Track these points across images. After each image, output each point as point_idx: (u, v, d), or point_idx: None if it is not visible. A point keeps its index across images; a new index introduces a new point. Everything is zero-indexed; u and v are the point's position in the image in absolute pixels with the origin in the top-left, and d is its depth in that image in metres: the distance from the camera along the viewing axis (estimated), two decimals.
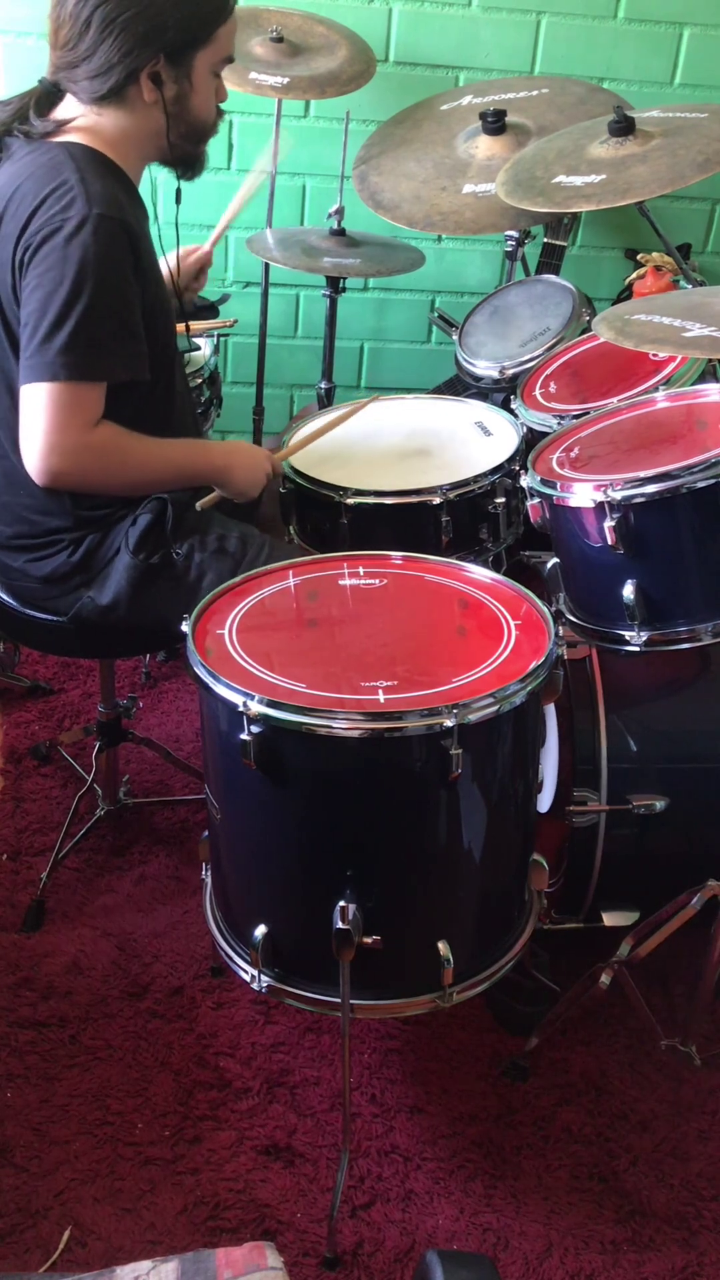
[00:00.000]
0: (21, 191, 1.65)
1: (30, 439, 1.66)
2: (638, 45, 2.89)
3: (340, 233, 2.53)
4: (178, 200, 1.84)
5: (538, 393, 2.16)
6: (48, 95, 1.74)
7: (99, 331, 1.62)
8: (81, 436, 1.65)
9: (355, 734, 1.35)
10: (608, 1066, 1.78)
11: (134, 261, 1.66)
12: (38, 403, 1.64)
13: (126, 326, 1.66)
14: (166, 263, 1.95)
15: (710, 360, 2.00)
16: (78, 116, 1.71)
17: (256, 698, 1.37)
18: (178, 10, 1.65)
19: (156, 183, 1.83)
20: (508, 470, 1.98)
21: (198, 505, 1.80)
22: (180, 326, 2.06)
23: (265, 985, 1.52)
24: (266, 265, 2.81)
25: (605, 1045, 1.82)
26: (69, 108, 1.73)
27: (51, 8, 1.68)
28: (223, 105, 1.80)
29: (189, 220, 2.84)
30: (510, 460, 1.99)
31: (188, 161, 1.81)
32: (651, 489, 1.59)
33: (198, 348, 2.47)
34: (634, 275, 2.93)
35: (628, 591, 1.66)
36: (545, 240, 2.69)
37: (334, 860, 1.44)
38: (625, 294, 2.93)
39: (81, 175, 1.63)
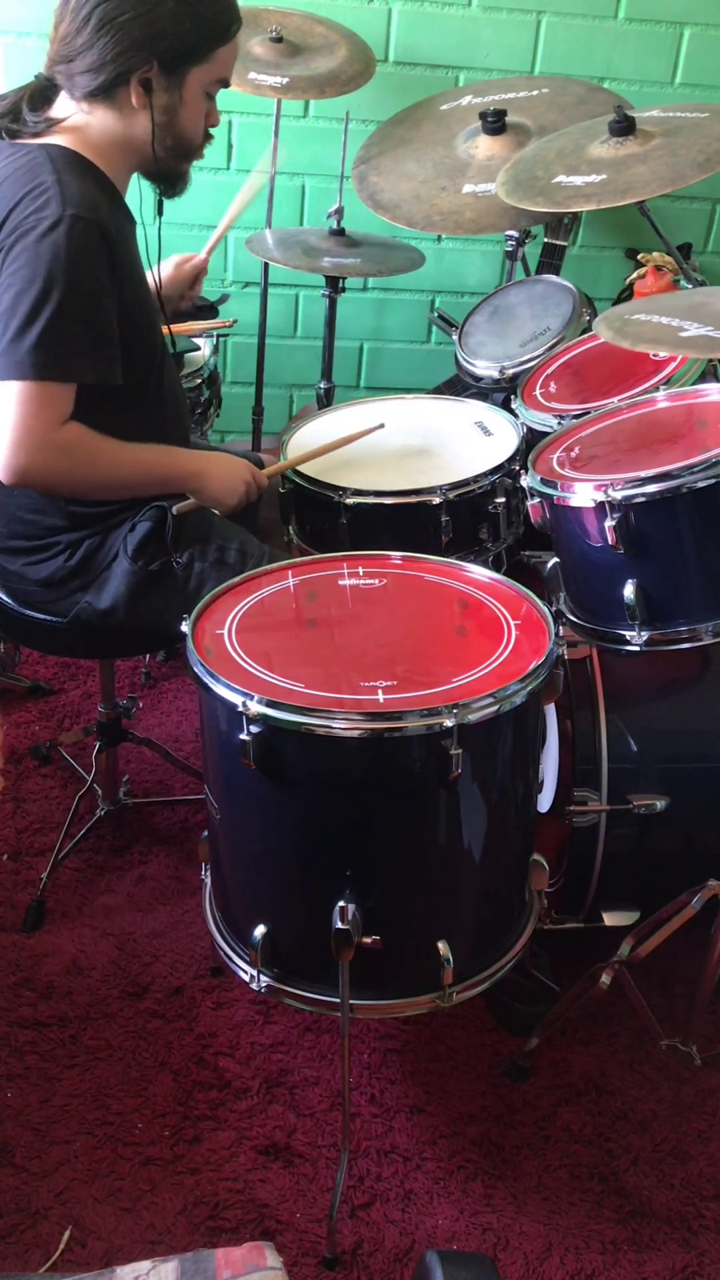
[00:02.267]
0: (0, 193, 1.65)
1: None
2: (638, 45, 2.89)
3: (340, 233, 2.53)
4: (159, 212, 1.84)
5: (538, 393, 2.16)
6: (42, 91, 1.74)
7: (69, 331, 1.62)
8: (48, 434, 1.65)
9: (355, 734, 1.35)
10: (608, 1066, 1.78)
11: (109, 265, 1.65)
12: (5, 400, 1.64)
13: (97, 329, 1.66)
14: (154, 273, 1.95)
15: (710, 360, 2.00)
16: (68, 116, 1.72)
17: (256, 698, 1.37)
18: (178, 22, 1.65)
19: (143, 188, 1.83)
20: (508, 470, 1.98)
21: (174, 509, 1.78)
22: (179, 327, 2.06)
23: (265, 985, 1.52)
24: (266, 265, 2.81)
25: (605, 1045, 1.82)
26: (61, 106, 1.73)
27: (57, 1, 1.68)
28: (218, 117, 1.80)
29: (187, 221, 2.86)
30: (510, 460, 1.99)
31: (170, 177, 1.81)
32: (652, 489, 1.59)
33: (197, 348, 2.47)
34: (634, 275, 2.93)
35: (628, 591, 1.66)
36: (545, 240, 2.69)
37: (334, 860, 1.44)
38: (626, 294, 2.93)
39: (59, 177, 1.63)
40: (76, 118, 1.72)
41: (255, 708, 1.37)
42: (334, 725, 1.35)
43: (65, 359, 1.63)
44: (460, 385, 2.49)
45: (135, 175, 1.80)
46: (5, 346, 1.62)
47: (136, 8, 1.63)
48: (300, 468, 2.01)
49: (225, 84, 1.77)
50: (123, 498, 1.79)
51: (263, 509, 2.14)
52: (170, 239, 1.92)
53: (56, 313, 1.60)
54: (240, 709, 1.37)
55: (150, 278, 1.85)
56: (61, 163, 1.66)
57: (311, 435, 2.14)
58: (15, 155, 1.69)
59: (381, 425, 2.09)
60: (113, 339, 1.68)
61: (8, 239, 1.62)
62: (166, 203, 1.85)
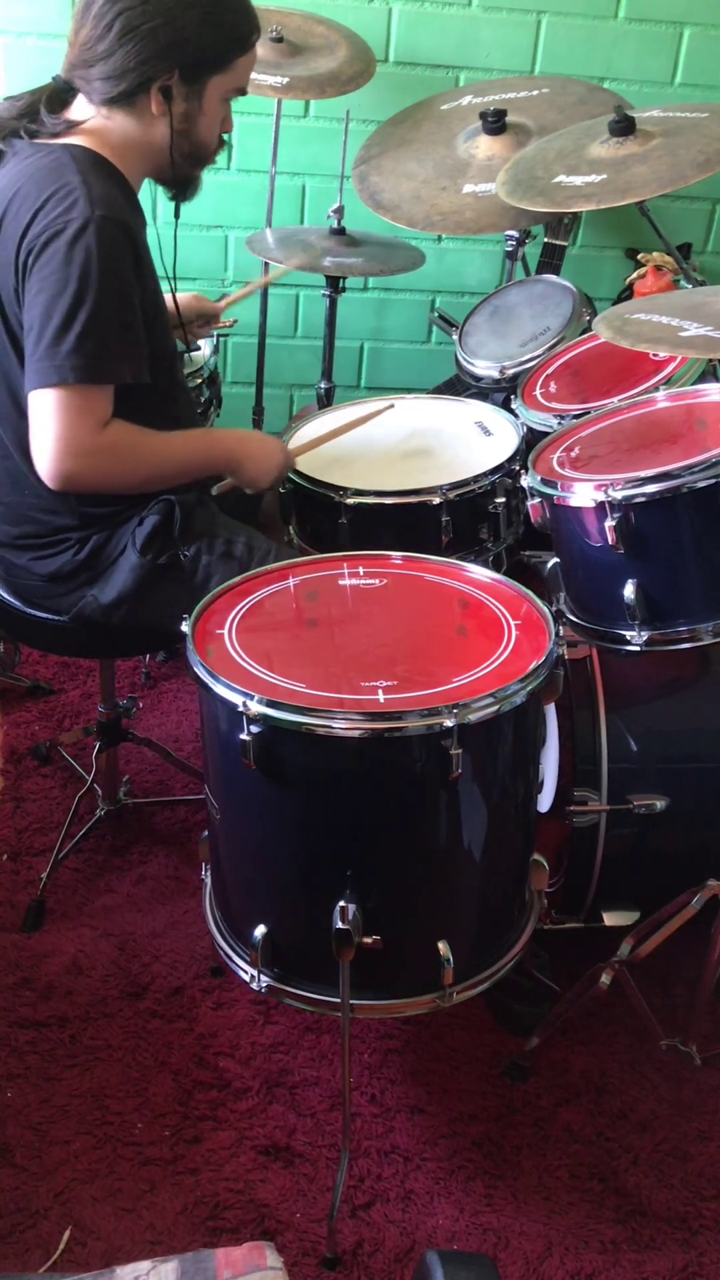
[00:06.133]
0: (24, 193, 1.65)
1: (41, 444, 1.66)
2: (638, 45, 2.89)
3: (340, 232, 2.53)
4: (176, 215, 1.85)
5: (538, 392, 2.16)
6: (59, 94, 1.74)
7: (105, 334, 1.62)
8: (93, 438, 1.65)
9: (355, 734, 1.35)
10: (608, 1066, 1.78)
11: (134, 264, 1.66)
12: (47, 408, 1.64)
13: (130, 328, 1.67)
14: (173, 299, 1.98)
15: (710, 360, 2.00)
16: (87, 119, 1.72)
17: (256, 698, 1.37)
18: (200, 31, 1.65)
19: (157, 189, 1.83)
20: (508, 470, 1.98)
21: (214, 490, 1.80)
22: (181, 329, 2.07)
23: (265, 985, 1.52)
24: (266, 265, 2.81)
25: (605, 1045, 1.82)
26: (79, 109, 1.73)
27: (76, 6, 1.68)
28: (232, 124, 1.81)
29: (187, 220, 2.85)
30: (510, 460, 1.99)
31: (183, 183, 1.82)
32: (652, 489, 1.59)
33: (198, 348, 2.47)
34: (634, 275, 2.93)
35: (628, 591, 1.65)
36: (545, 240, 2.69)
37: (334, 860, 1.44)
38: (626, 294, 2.93)
39: (84, 177, 1.63)
40: (95, 121, 1.72)
41: (255, 708, 1.37)
42: (334, 725, 1.35)
43: (103, 361, 1.63)
44: (460, 385, 2.49)
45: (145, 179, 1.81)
46: (43, 352, 1.61)
47: (160, 16, 1.63)
48: (301, 468, 2.00)
49: (242, 92, 1.78)
50: (163, 488, 1.80)
51: (264, 502, 2.14)
52: (170, 244, 1.91)
53: (92, 316, 1.60)
54: (240, 709, 1.37)
55: (168, 298, 1.87)
56: (85, 163, 1.66)
57: (312, 435, 2.14)
58: (37, 155, 1.68)
59: (391, 406, 2.10)
60: (143, 337, 1.69)
61: (37, 241, 1.61)
62: (169, 204, 1.85)
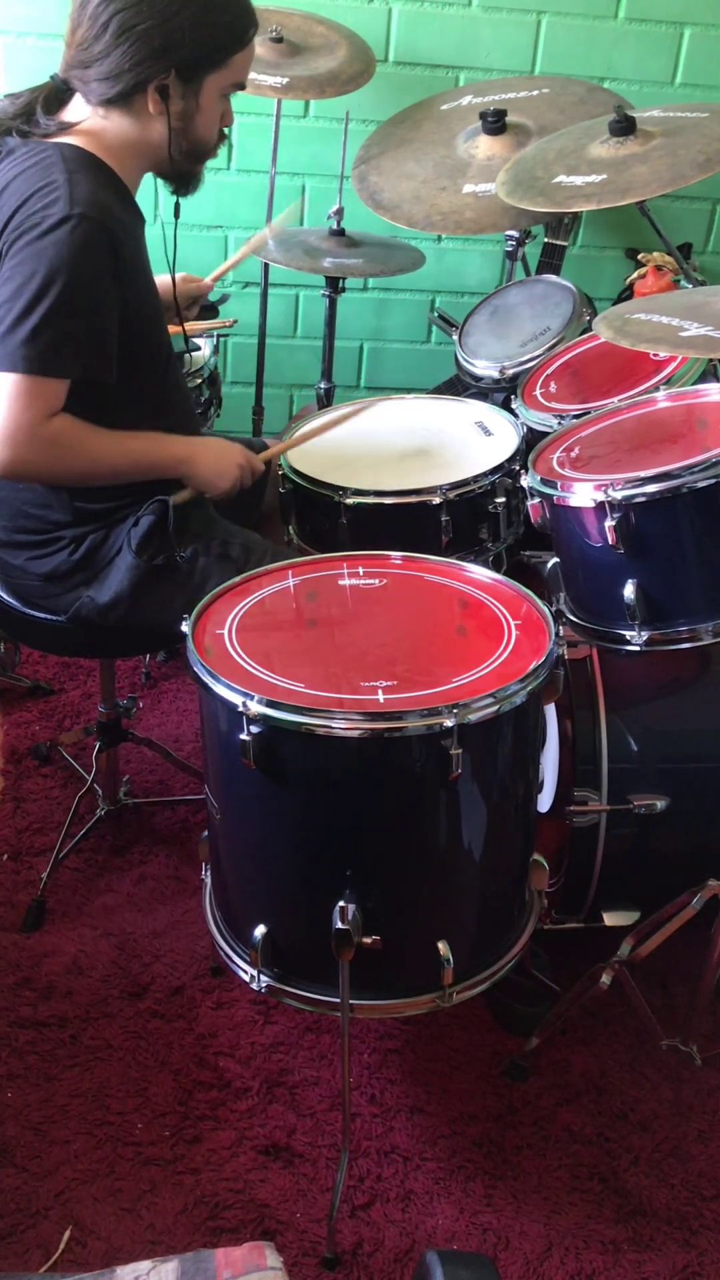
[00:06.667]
0: (11, 189, 1.65)
1: None
2: (638, 45, 2.89)
3: (340, 233, 2.53)
4: (176, 214, 1.84)
5: (538, 392, 2.16)
6: (57, 93, 1.74)
7: (64, 329, 1.62)
8: (35, 428, 1.65)
9: (355, 734, 1.35)
10: (608, 1066, 1.78)
11: (113, 266, 1.65)
12: None
13: (94, 328, 1.66)
14: (169, 279, 1.97)
15: (711, 359, 2.00)
16: (83, 119, 1.72)
17: (256, 698, 1.37)
18: (195, 30, 1.64)
19: (158, 186, 1.83)
20: (508, 470, 1.98)
21: (171, 501, 1.78)
22: (180, 327, 2.06)
23: (265, 985, 1.52)
24: (266, 265, 2.81)
25: (605, 1045, 1.82)
26: (76, 109, 1.73)
27: (73, 5, 1.68)
28: (232, 117, 1.80)
29: (188, 221, 2.86)
30: (510, 460, 1.99)
31: (184, 178, 1.81)
32: (652, 489, 1.59)
33: (198, 348, 2.48)
34: (635, 275, 2.93)
35: (628, 591, 1.66)
36: (546, 240, 2.69)
37: (334, 860, 1.44)
38: (626, 294, 2.93)
39: (69, 176, 1.63)
40: (92, 121, 1.72)
41: (255, 708, 1.37)
42: (334, 725, 1.35)
43: (57, 355, 1.63)
44: (460, 385, 2.49)
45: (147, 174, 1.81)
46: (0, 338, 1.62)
47: (155, 16, 1.62)
48: (301, 468, 2.00)
49: (241, 87, 1.77)
50: (113, 484, 1.79)
51: (266, 494, 2.14)
52: (170, 242, 1.91)
53: (53, 309, 1.60)
54: (240, 709, 1.37)
55: (163, 281, 1.85)
56: (74, 162, 1.66)
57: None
58: (29, 154, 1.69)
59: (377, 400, 2.09)
60: (108, 338, 1.68)
61: (14, 234, 1.62)
62: (170, 202, 1.85)
